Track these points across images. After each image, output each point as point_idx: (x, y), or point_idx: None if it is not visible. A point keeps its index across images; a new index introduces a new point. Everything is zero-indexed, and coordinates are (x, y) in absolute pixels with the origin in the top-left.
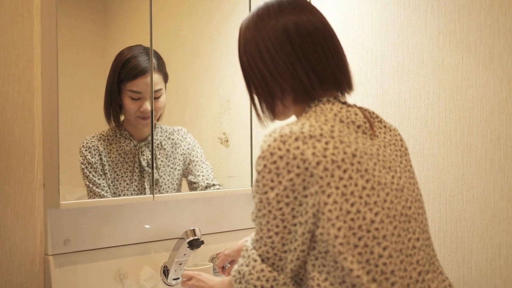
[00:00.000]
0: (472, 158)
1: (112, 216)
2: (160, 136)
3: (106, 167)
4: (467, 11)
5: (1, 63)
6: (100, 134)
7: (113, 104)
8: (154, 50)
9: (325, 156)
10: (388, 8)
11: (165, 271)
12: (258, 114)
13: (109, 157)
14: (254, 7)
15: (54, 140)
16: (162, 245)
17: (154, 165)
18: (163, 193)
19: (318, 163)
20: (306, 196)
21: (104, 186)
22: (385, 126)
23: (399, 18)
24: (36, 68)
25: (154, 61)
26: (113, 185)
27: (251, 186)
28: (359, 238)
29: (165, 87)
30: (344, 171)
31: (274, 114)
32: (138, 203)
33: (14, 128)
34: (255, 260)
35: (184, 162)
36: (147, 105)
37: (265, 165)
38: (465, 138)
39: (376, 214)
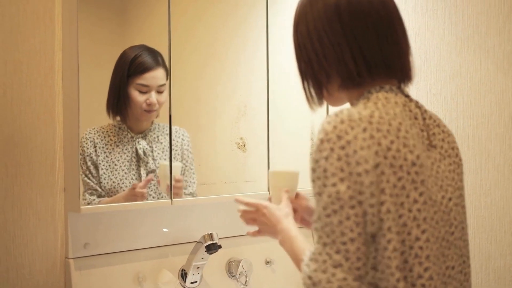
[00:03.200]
0: (490, 164)
1: (131, 220)
2: (157, 131)
3: (101, 157)
4: (485, 16)
5: (24, 69)
6: (100, 127)
7: (121, 98)
8: (154, 48)
9: (385, 158)
10: (406, 13)
11: (183, 275)
12: (307, 98)
13: (106, 149)
14: None
15: (75, 145)
16: (179, 248)
17: (150, 155)
18: (158, 186)
19: (377, 165)
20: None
21: (94, 178)
22: (443, 131)
23: (416, 23)
24: (58, 74)
25: (159, 58)
26: (112, 175)
27: (268, 190)
28: (401, 253)
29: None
30: (399, 179)
31: (321, 99)
32: (156, 207)
33: (36, 133)
34: (335, 267)
35: (182, 158)
36: (153, 98)
37: (332, 149)
38: (483, 144)
39: (423, 231)
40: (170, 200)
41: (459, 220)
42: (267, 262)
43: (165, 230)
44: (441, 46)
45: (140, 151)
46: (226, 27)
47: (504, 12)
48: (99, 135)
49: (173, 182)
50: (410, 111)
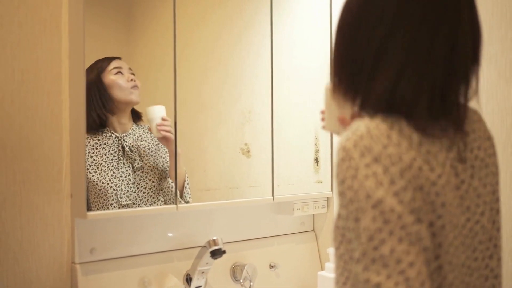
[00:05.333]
0: None
1: (137, 225)
2: (139, 130)
3: (87, 164)
4: (488, 24)
5: (31, 77)
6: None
7: (95, 102)
8: None
9: (410, 182)
10: None
11: (188, 279)
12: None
13: (92, 153)
14: None
15: (81, 151)
16: (184, 253)
17: (137, 152)
18: (150, 179)
19: (405, 188)
20: None
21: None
22: (479, 137)
23: None
24: (64, 81)
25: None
26: (101, 176)
27: (272, 195)
28: None
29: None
30: (421, 205)
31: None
32: (161, 213)
33: (43, 139)
34: None
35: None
36: (129, 70)
37: (357, 168)
38: None
39: (436, 257)
40: (175, 205)
41: (485, 243)
42: (271, 267)
43: (170, 235)
44: None
45: (127, 148)
46: (230, 32)
47: (506, 20)
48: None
49: (160, 121)
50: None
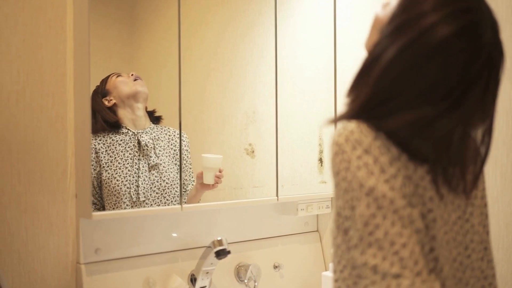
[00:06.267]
0: (497, 171)
1: (141, 225)
2: (156, 130)
3: (103, 161)
4: None
5: (36, 77)
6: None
7: (101, 110)
8: None
9: (398, 169)
10: None
11: (193, 280)
12: None
13: (109, 151)
14: None
15: (86, 152)
16: (189, 254)
17: (153, 149)
18: (164, 180)
19: (394, 176)
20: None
21: (95, 189)
22: None
23: None
24: (69, 81)
25: None
26: (116, 173)
27: (277, 195)
28: None
29: None
30: (412, 193)
31: None
32: (166, 213)
33: (48, 140)
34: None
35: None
36: (129, 72)
37: (349, 160)
38: (491, 151)
39: (431, 250)
40: (180, 206)
41: (478, 241)
42: (276, 267)
43: (174, 235)
44: None
45: (143, 143)
46: (234, 32)
47: (511, 22)
48: (100, 140)
49: (218, 173)
50: None
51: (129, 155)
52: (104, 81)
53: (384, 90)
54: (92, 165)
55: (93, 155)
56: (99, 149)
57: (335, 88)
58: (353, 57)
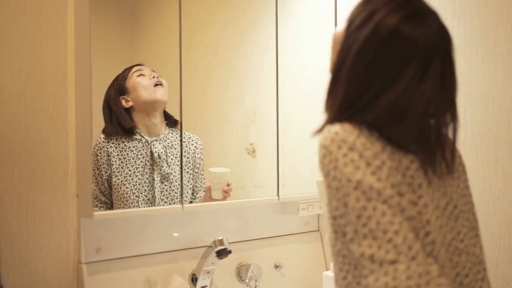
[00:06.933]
0: (499, 171)
1: (143, 225)
2: (171, 136)
3: (114, 166)
4: (494, 24)
5: (37, 77)
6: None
7: (117, 111)
8: None
9: (383, 161)
10: None
11: (193, 279)
12: None
13: (120, 156)
14: None
15: (88, 151)
16: (190, 253)
17: (165, 160)
18: (173, 189)
19: (379, 167)
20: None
21: (106, 190)
22: None
23: None
24: (70, 82)
25: None
26: (125, 181)
27: (278, 195)
28: None
29: None
30: (399, 182)
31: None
32: (167, 213)
33: (49, 140)
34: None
35: (193, 166)
36: (151, 71)
37: (336, 159)
38: (492, 151)
39: (427, 234)
40: (181, 205)
41: (469, 227)
42: (277, 267)
43: (176, 235)
44: None
45: (156, 154)
46: (235, 32)
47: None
48: (113, 143)
49: (226, 187)
50: None
51: (140, 163)
52: (125, 76)
53: (356, 86)
54: (104, 167)
55: (105, 158)
56: (111, 153)
57: None
58: None
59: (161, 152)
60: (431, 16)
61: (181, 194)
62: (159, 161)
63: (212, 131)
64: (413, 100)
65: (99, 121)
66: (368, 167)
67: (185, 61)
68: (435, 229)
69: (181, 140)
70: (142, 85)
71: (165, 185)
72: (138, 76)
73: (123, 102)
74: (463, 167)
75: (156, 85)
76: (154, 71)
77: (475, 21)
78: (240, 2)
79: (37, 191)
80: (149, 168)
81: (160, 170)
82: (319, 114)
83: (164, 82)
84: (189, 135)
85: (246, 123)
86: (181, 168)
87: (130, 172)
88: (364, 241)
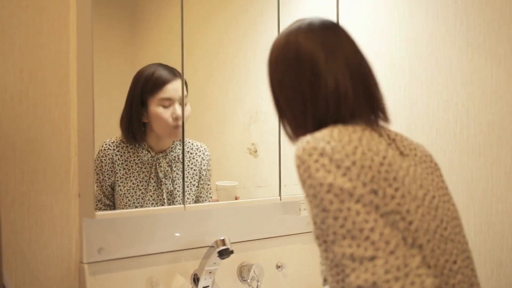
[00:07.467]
0: (501, 171)
1: (144, 225)
2: (178, 149)
3: (119, 175)
4: (496, 24)
5: (39, 77)
6: (120, 140)
7: (135, 122)
8: (168, 66)
9: (354, 162)
10: (417, 19)
11: (195, 279)
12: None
13: (125, 165)
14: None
15: (90, 151)
16: (192, 253)
17: (170, 177)
18: (176, 205)
19: (348, 168)
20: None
21: (107, 195)
22: (412, 144)
23: (427, 29)
24: (72, 81)
25: (174, 70)
26: (128, 193)
27: (279, 195)
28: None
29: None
30: (371, 178)
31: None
32: (169, 213)
33: (51, 140)
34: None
35: (199, 178)
36: (178, 111)
37: (309, 166)
38: (494, 151)
39: (410, 223)
40: (183, 205)
41: (451, 217)
42: (279, 267)
43: (177, 235)
44: (452, 53)
45: (161, 174)
46: (236, 32)
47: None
48: (118, 151)
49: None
50: (372, 130)
51: (144, 177)
52: (152, 91)
53: (297, 103)
54: (108, 174)
55: (110, 165)
56: (116, 161)
57: None
58: None
59: (167, 170)
60: (311, 32)
61: (183, 194)
62: (164, 180)
63: (214, 131)
64: (334, 82)
65: (101, 121)
66: (338, 169)
67: (187, 61)
68: (416, 218)
69: (182, 138)
70: (162, 120)
71: (169, 199)
72: (162, 106)
73: (143, 118)
74: (435, 164)
75: (176, 127)
76: (186, 95)
77: (478, 20)
78: (242, 2)
79: (39, 191)
80: (154, 186)
81: (167, 187)
82: None
83: (187, 112)
84: (196, 145)
85: (248, 123)
86: (182, 167)
87: (133, 186)
88: (343, 242)
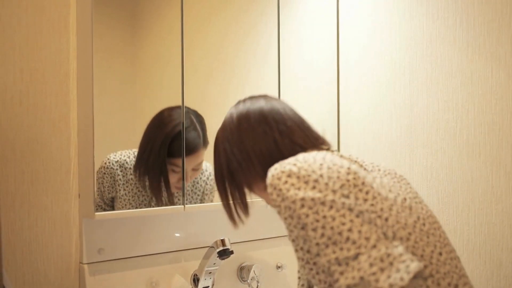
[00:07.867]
0: (501, 171)
1: (144, 225)
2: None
3: (118, 195)
4: (496, 24)
5: (39, 77)
6: (124, 160)
7: (156, 178)
8: (199, 114)
9: (321, 175)
10: (417, 19)
11: (195, 280)
12: (236, 215)
13: (125, 187)
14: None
15: (90, 152)
16: (192, 254)
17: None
18: (176, 205)
19: (316, 180)
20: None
21: (107, 203)
22: (373, 162)
23: (427, 29)
24: (72, 81)
25: (202, 135)
26: (129, 204)
27: None
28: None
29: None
30: (341, 186)
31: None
32: (169, 213)
33: (51, 140)
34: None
35: (204, 190)
36: (188, 178)
37: (280, 189)
38: (494, 151)
39: (386, 219)
40: (183, 206)
41: (426, 215)
42: (279, 267)
43: (177, 235)
44: (452, 53)
45: (165, 199)
46: (237, 31)
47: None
48: (121, 171)
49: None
50: (333, 152)
51: (144, 200)
52: (173, 153)
53: (262, 148)
54: (108, 189)
55: (111, 182)
56: (117, 180)
57: (337, 88)
58: (356, 58)
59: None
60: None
61: (183, 194)
62: (168, 203)
63: (214, 131)
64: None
65: (101, 121)
66: (307, 184)
67: (187, 60)
68: (392, 214)
69: (182, 138)
70: (167, 181)
71: (169, 199)
72: (172, 170)
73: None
74: (401, 175)
75: (177, 188)
76: (200, 164)
77: (478, 21)
78: (242, 2)
79: (39, 191)
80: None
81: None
82: (321, 114)
83: (190, 180)
84: (204, 164)
85: None
86: (182, 166)
87: (134, 199)
88: (327, 250)
